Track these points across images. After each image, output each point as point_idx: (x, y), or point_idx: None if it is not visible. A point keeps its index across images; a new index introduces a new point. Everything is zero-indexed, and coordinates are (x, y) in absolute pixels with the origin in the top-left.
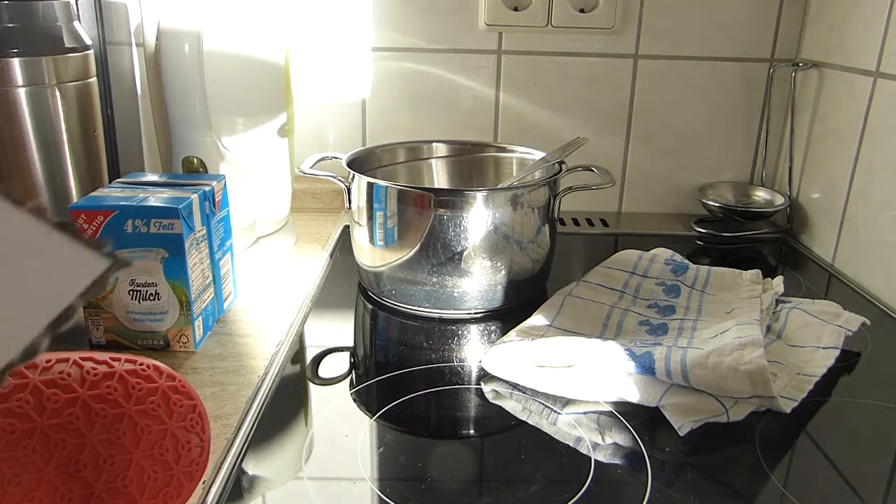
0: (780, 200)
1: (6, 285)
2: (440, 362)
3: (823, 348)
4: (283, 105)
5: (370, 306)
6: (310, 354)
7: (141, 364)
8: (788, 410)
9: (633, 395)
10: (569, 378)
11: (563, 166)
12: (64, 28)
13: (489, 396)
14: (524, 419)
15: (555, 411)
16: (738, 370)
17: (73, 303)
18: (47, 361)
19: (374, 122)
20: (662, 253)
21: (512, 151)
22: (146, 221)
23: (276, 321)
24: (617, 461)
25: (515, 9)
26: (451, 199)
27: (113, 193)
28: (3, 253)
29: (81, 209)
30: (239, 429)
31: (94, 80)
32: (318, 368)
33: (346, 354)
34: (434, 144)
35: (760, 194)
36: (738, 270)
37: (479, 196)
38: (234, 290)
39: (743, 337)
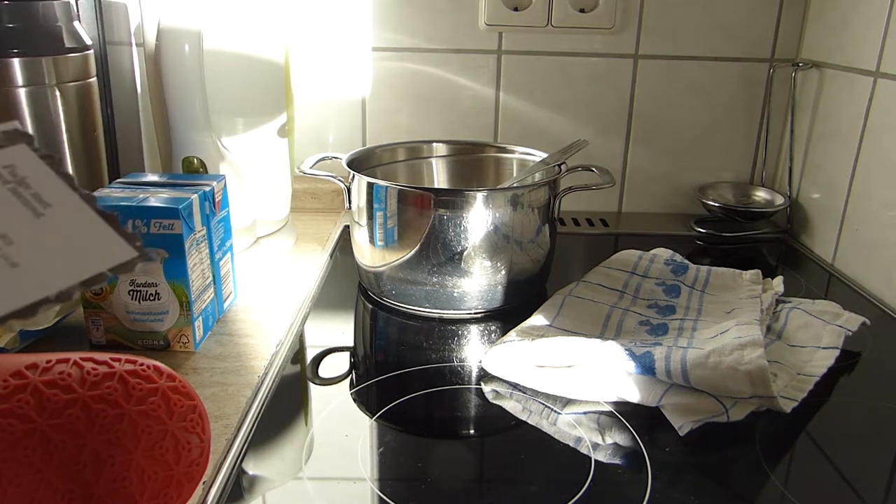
0: (780, 200)
1: (55, 241)
2: (440, 362)
3: (823, 348)
4: (283, 105)
5: (370, 306)
6: (310, 354)
7: (141, 364)
8: (788, 410)
9: (634, 395)
10: (569, 378)
11: (564, 167)
12: (64, 28)
13: (489, 396)
14: (524, 419)
15: (555, 411)
16: (738, 370)
17: (103, 273)
18: (47, 362)
19: (374, 122)
20: (662, 253)
21: (512, 152)
22: (146, 222)
23: (276, 321)
24: (617, 461)
25: (515, 9)
26: (452, 199)
27: (113, 194)
28: (56, 219)
29: None
30: (239, 429)
31: (94, 80)
32: (318, 368)
33: (346, 354)
34: (434, 144)
35: (760, 194)
36: (738, 270)
37: (480, 196)
38: (234, 290)
39: (743, 337)
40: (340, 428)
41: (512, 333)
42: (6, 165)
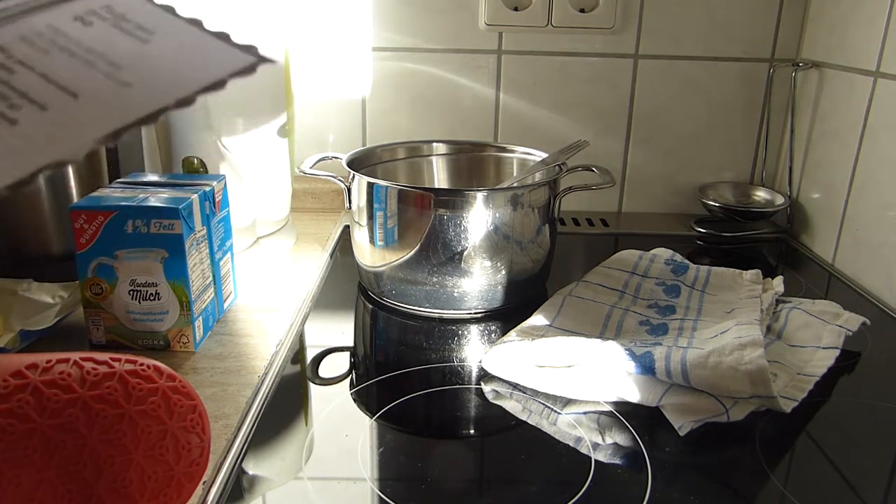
0: (780, 200)
1: (166, 59)
2: (440, 362)
3: (823, 348)
4: (283, 105)
5: (370, 306)
6: (310, 354)
7: (141, 364)
8: (788, 410)
9: (634, 395)
10: (569, 378)
11: (564, 167)
12: None
13: (489, 396)
14: (524, 419)
15: (555, 411)
16: (739, 370)
17: (224, 79)
18: (47, 362)
19: (374, 122)
20: (662, 253)
21: (512, 152)
22: (146, 221)
23: (276, 321)
24: (617, 461)
25: (515, 9)
26: (452, 199)
27: (113, 193)
28: (165, 42)
29: (82, 209)
30: (239, 429)
31: None
32: (318, 368)
33: (346, 354)
34: (434, 144)
35: (760, 194)
36: (738, 270)
37: (480, 196)
38: (234, 290)
39: (743, 337)
40: (340, 428)
41: (512, 333)
42: (103, 6)
